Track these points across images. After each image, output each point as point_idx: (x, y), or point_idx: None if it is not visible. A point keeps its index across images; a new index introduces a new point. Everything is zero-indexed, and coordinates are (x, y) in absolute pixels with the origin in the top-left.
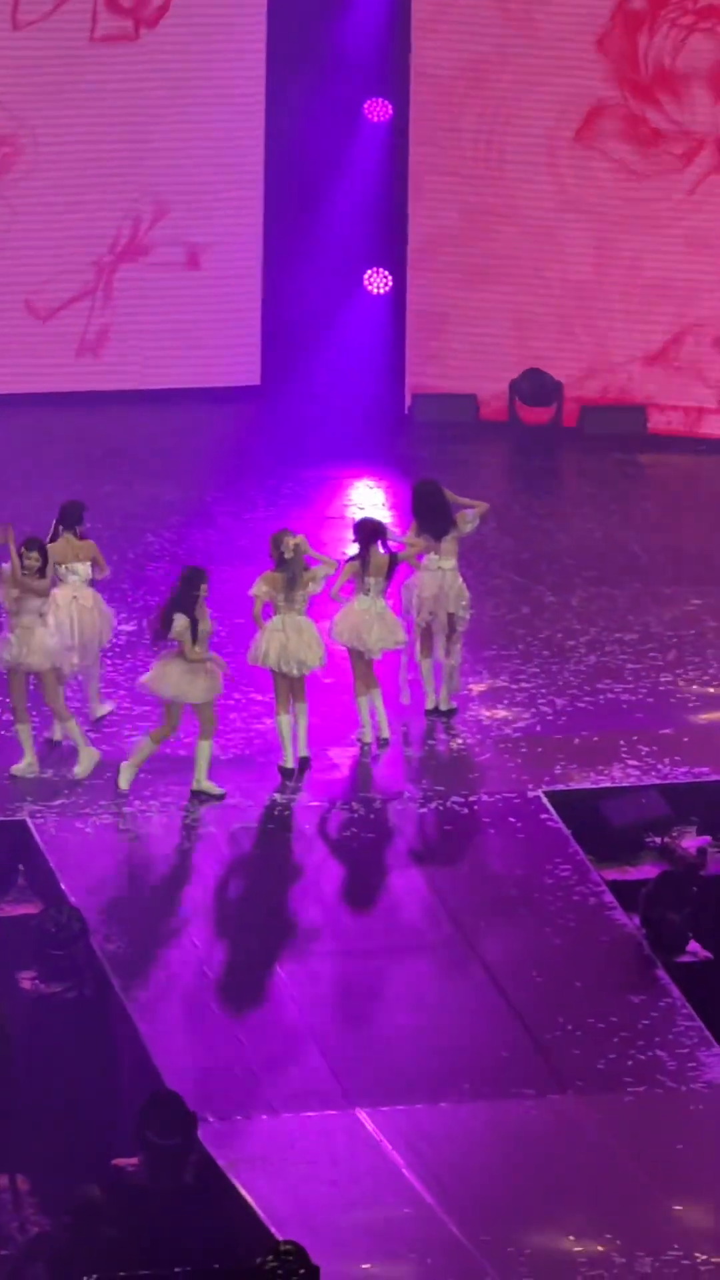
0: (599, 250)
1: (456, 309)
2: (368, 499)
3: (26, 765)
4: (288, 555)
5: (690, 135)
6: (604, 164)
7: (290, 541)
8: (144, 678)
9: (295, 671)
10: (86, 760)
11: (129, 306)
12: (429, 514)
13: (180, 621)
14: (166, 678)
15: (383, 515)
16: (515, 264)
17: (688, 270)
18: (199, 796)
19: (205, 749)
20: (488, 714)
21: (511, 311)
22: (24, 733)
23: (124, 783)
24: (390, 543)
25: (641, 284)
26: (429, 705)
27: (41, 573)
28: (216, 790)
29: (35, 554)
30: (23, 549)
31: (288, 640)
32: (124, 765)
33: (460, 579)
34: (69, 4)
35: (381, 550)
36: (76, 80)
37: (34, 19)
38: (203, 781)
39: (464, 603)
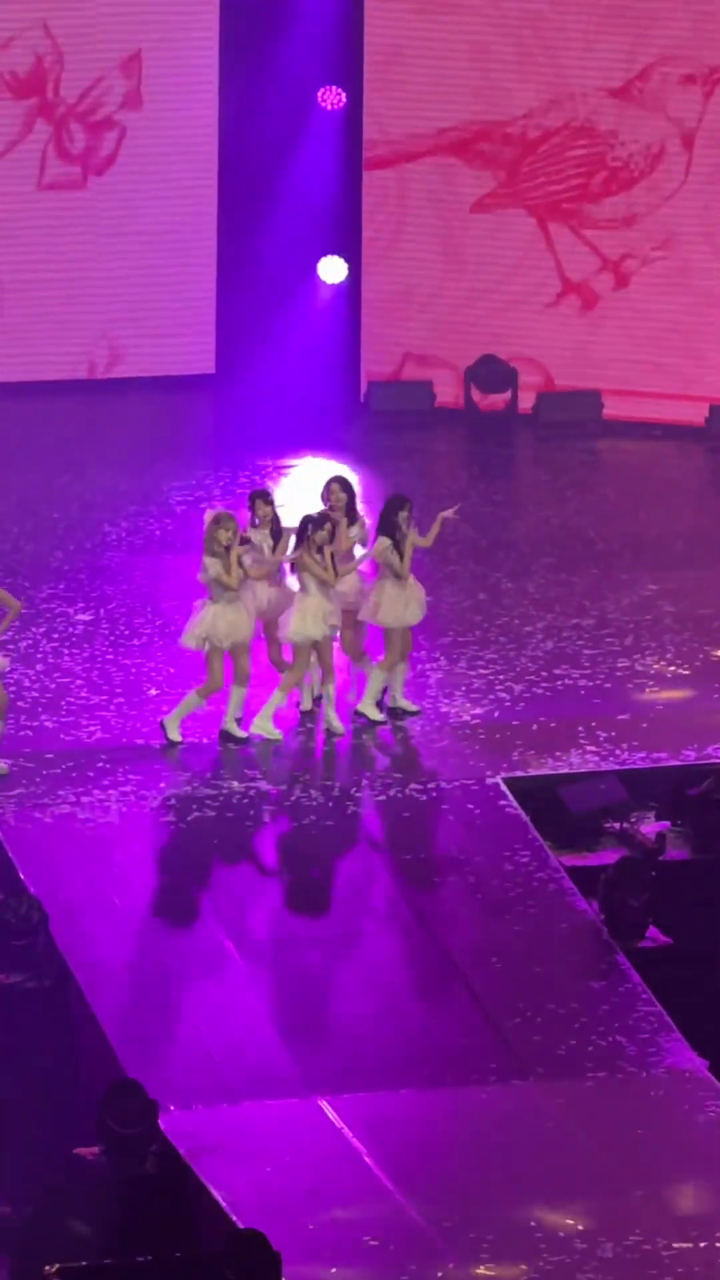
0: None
1: (411, 296)
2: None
3: None
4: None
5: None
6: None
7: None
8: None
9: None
10: None
11: (83, 293)
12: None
13: (383, 542)
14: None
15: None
16: (471, 251)
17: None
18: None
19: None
20: (445, 701)
21: (466, 298)
22: None
23: (174, 734)
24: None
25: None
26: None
27: None
28: (277, 735)
29: None
30: None
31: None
32: (168, 720)
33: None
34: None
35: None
36: None
37: None
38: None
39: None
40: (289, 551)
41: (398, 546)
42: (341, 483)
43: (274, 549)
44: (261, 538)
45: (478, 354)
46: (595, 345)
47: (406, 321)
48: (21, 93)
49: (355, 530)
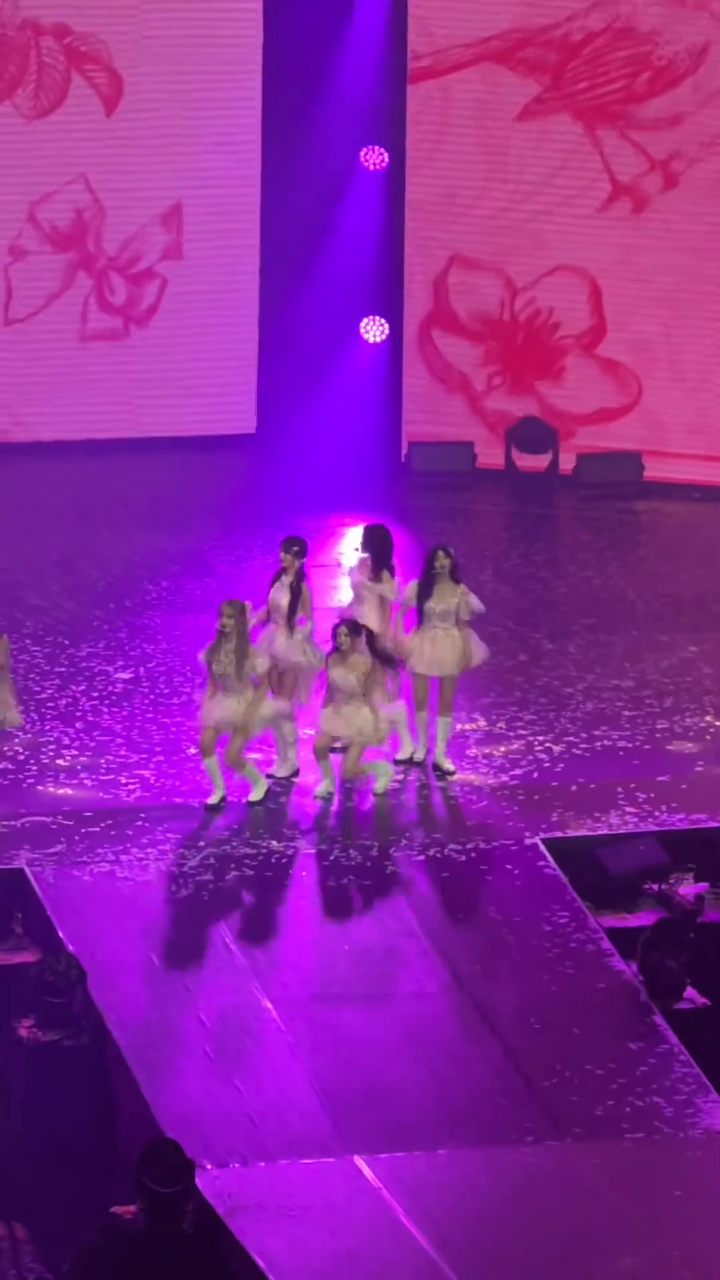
0: (595, 302)
1: (453, 357)
2: None
3: None
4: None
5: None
6: (603, 220)
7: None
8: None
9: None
10: None
11: (125, 354)
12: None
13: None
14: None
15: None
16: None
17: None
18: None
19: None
20: (485, 761)
21: (508, 360)
22: None
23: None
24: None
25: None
26: (412, 755)
27: None
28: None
29: None
30: None
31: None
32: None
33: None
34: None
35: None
36: None
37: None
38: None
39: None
40: (313, 654)
41: (428, 593)
42: (372, 533)
43: (294, 602)
44: (281, 588)
45: (523, 255)
46: (641, 250)
47: (452, 224)
48: (62, 246)
49: (386, 580)
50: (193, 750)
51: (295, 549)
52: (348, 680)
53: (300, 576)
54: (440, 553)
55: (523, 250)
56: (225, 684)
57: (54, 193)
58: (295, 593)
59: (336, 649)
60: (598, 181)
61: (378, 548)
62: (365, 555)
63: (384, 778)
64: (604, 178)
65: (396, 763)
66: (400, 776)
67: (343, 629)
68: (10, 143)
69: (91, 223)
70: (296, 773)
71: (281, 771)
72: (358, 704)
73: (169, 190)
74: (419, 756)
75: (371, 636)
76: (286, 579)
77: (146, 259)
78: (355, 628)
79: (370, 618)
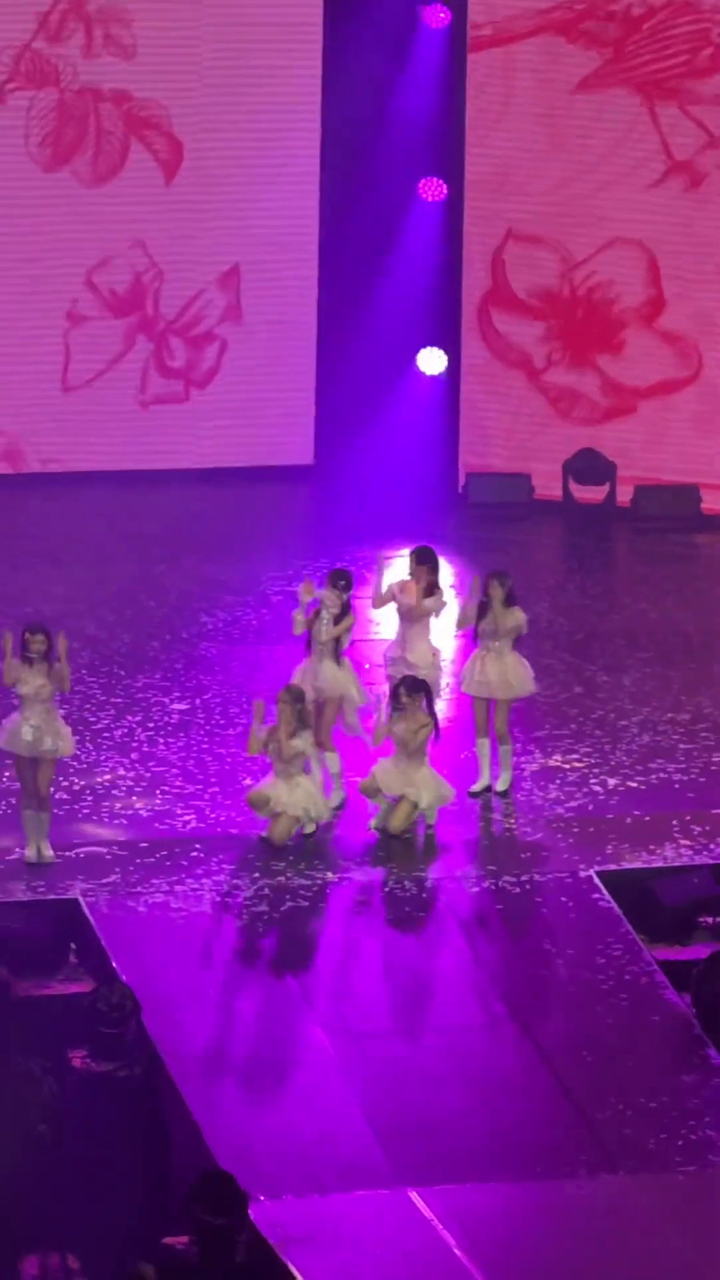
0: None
1: (510, 388)
2: None
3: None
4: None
5: None
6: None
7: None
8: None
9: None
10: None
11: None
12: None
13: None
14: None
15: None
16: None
17: None
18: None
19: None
20: (540, 793)
21: (565, 391)
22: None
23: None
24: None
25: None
26: (485, 786)
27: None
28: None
29: (41, 636)
30: (26, 634)
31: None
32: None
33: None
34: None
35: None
36: None
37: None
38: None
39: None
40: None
41: (483, 615)
42: (421, 555)
43: (334, 626)
44: (325, 620)
45: (581, 229)
46: (699, 222)
47: (510, 199)
48: (121, 311)
49: (431, 601)
50: (248, 781)
51: (341, 582)
52: (409, 737)
53: (346, 609)
54: (495, 577)
55: (581, 224)
56: (275, 765)
57: (112, 258)
58: (336, 619)
59: (398, 707)
60: (656, 155)
61: (434, 569)
62: (408, 579)
63: (431, 811)
64: (662, 151)
65: (471, 795)
66: (454, 809)
67: (402, 688)
68: (69, 209)
69: (150, 286)
70: (344, 803)
71: (331, 803)
72: (418, 762)
73: (227, 253)
74: (500, 786)
75: (430, 694)
76: (331, 611)
77: (205, 322)
78: (414, 685)
79: (417, 641)
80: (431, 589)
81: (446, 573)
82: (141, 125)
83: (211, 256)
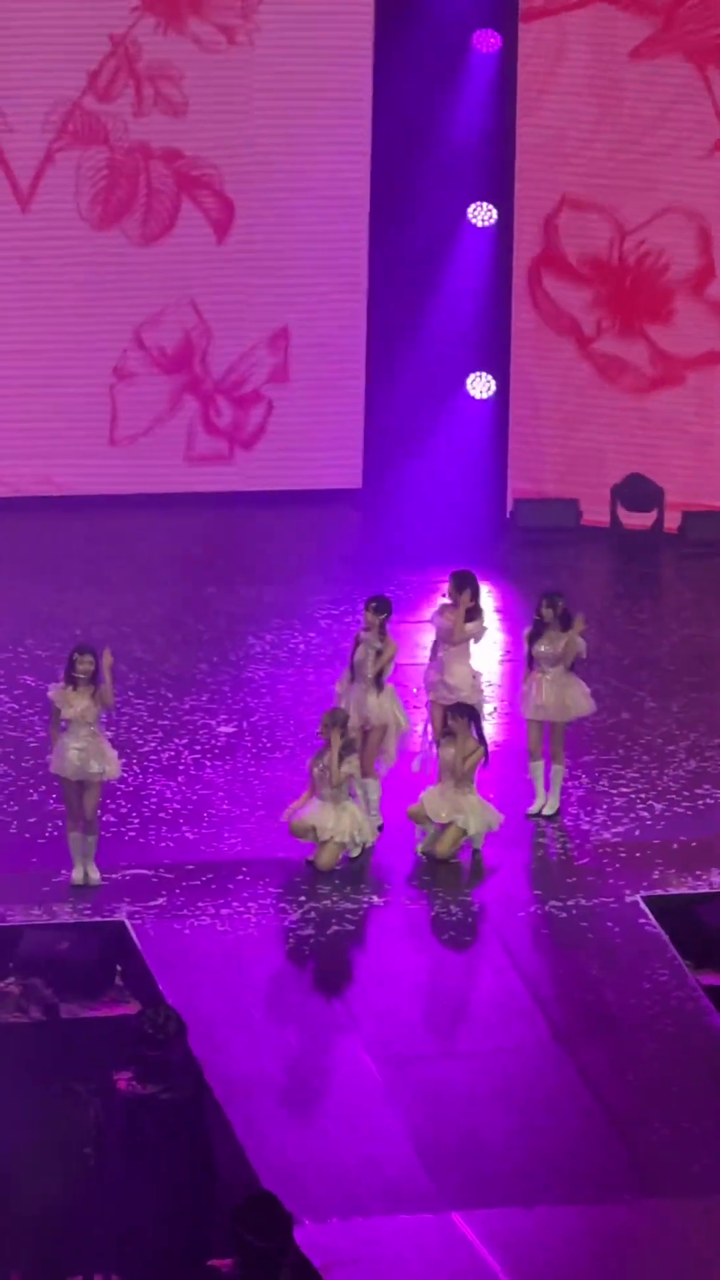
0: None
1: (559, 414)
2: None
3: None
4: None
5: None
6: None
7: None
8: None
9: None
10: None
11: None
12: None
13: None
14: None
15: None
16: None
17: None
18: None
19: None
20: (586, 818)
21: (614, 416)
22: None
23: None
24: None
25: None
26: (541, 809)
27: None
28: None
29: (89, 658)
30: (75, 654)
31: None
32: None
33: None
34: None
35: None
36: None
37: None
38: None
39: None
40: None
41: (538, 637)
42: (461, 579)
43: (378, 659)
44: (366, 647)
45: (632, 197)
46: None
47: (562, 166)
48: (169, 368)
49: (472, 625)
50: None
51: (377, 607)
52: (458, 763)
53: (384, 635)
54: (549, 599)
55: (632, 191)
56: (321, 790)
57: (161, 315)
58: (379, 652)
59: (446, 733)
60: (708, 123)
61: (476, 593)
62: (448, 603)
63: (478, 836)
64: (715, 119)
65: (528, 816)
66: (501, 833)
67: (450, 714)
68: (118, 266)
69: (198, 345)
70: (381, 827)
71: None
72: (466, 788)
73: (276, 313)
74: (548, 810)
75: (478, 720)
76: (370, 637)
77: (252, 382)
78: (462, 711)
79: (456, 664)
80: (473, 614)
81: (493, 597)
82: (192, 184)
83: (261, 316)
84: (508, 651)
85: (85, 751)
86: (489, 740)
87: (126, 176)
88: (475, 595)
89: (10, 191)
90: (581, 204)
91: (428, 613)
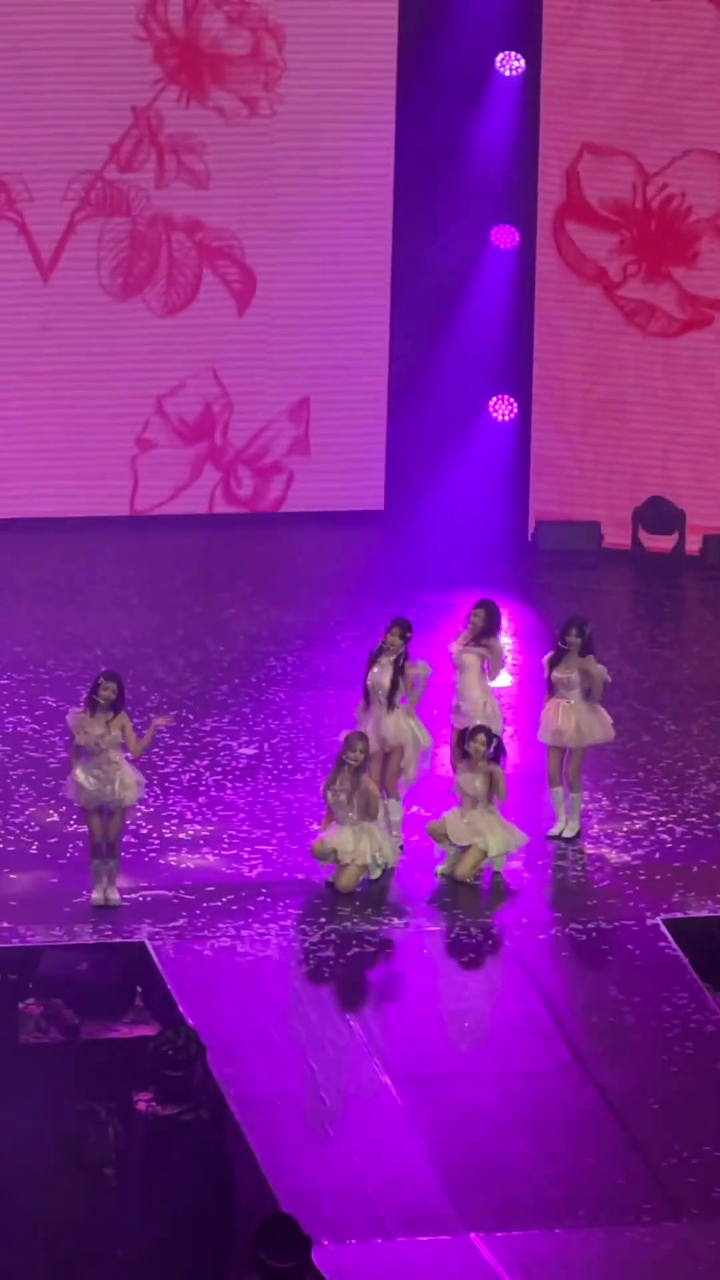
0: None
1: (581, 436)
2: None
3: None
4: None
5: None
6: None
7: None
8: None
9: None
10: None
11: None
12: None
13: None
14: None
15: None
16: (640, 392)
17: None
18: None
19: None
20: (607, 841)
21: (636, 439)
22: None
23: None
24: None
25: None
26: (560, 831)
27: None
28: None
29: (114, 686)
30: (101, 679)
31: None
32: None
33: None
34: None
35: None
36: None
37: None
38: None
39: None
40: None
41: (558, 662)
42: (484, 607)
43: (394, 681)
44: (383, 668)
45: (654, 140)
46: None
47: (585, 111)
48: (190, 438)
49: (492, 649)
50: (315, 827)
51: (399, 629)
52: (474, 786)
53: (404, 657)
54: (574, 626)
55: (654, 135)
56: (340, 814)
57: (182, 385)
58: (399, 672)
59: (467, 755)
60: None
61: (488, 619)
62: (466, 629)
63: (499, 858)
64: None
65: (549, 839)
66: (521, 856)
67: (481, 736)
68: (140, 336)
69: (220, 416)
70: (402, 848)
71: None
72: (485, 811)
73: (298, 384)
74: (568, 833)
75: (496, 744)
76: (388, 659)
77: (273, 453)
78: (478, 735)
79: (470, 689)
80: (479, 638)
81: (514, 620)
82: (215, 255)
83: (282, 387)
84: (528, 675)
85: (100, 778)
86: (506, 764)
87: (149, 247)
88: (488, 620)
89: (32, 261)
90: (604, 149)
91: (452, 644)
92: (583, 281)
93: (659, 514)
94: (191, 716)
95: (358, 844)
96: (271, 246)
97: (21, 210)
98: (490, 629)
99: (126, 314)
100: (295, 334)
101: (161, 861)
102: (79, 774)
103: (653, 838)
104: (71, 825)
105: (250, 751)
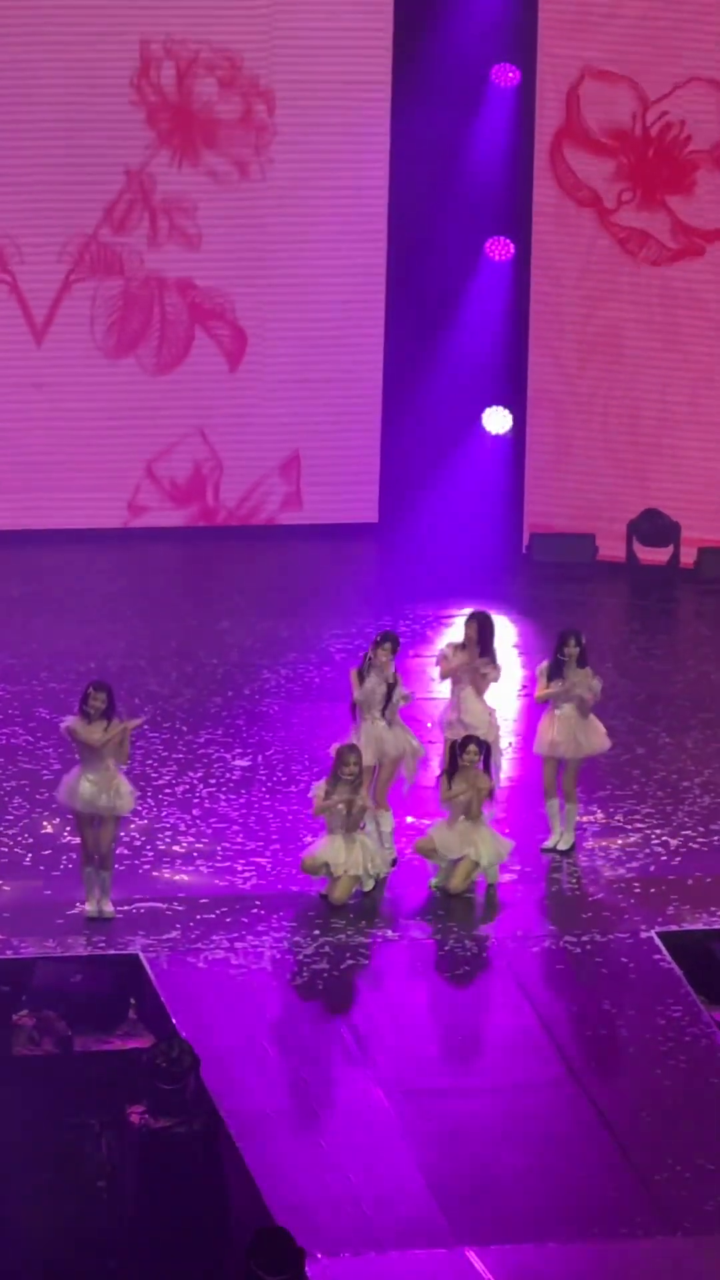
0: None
1: (576, 449)
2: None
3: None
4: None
5: None
6: None
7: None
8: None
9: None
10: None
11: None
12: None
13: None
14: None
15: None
16: (635, 405)
17: None
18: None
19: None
20: (601, 853)
21: (630, 452)
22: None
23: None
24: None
25: None
26: (555, 844)
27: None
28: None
29: (104, 695)
30: (90, 689)
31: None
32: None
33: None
34: None
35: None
36: None
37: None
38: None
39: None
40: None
41: (555, 675)
42: (478, 619)
43: (387, 696)
44: (375, 683)
45: (656, 67)
46: None
47: (586, 36)
48: (181, 500)
49: (485, 664)
50: (309, 839)
51: (390, 645)
52: (466, 797)
53: (397, 677)
54: (571, 637)
55: (656, 62)
56: (333, 825)
57: (172, 448)
58: (391, 686)
59: (459, 766)
60: None
61: (483, 632)
62: (459, 642)
63: (492, 870)
64: None
65: (543, 851)
66: (516, 868)
67: (473, 747)
68: (131, 396)
69: (210, 476)
70: (395, 860)
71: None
72: (475, 822)
73: (287, 440)
74: (562, 846)
75: (488, 754)
76: (380, 673)
77: (265, 511)
78: (470, 745)
79: (470, 702)
80: (486, 654)
81: (509, 632)
82: (206, 315)
83: (272, 443)
84: (524, 687)
85: (98, 785)
86: (499, 776)
87: (141, 307)
88: (489, 636)
89: (25, 323)
90: (604, 74)
91: (435, 652)
92: (578, 206)
93: (654, 526)
94: (185, 729)
95: (349, 856)
96: (261, 305)
97: (14, 271)
98: (489, 644)
99: (119, 373)
100: (284, 388)
101: (155, 874)
102: (75, 778)
103: (647, 850)
104: (65, 837)
105: (244, 764)
